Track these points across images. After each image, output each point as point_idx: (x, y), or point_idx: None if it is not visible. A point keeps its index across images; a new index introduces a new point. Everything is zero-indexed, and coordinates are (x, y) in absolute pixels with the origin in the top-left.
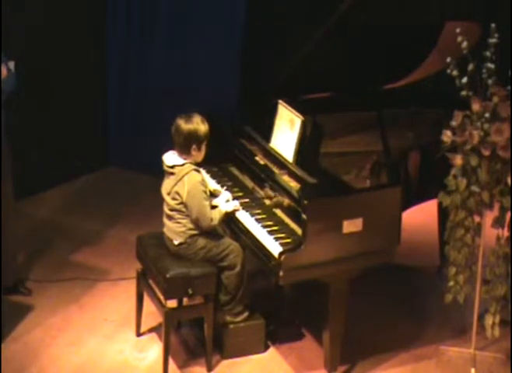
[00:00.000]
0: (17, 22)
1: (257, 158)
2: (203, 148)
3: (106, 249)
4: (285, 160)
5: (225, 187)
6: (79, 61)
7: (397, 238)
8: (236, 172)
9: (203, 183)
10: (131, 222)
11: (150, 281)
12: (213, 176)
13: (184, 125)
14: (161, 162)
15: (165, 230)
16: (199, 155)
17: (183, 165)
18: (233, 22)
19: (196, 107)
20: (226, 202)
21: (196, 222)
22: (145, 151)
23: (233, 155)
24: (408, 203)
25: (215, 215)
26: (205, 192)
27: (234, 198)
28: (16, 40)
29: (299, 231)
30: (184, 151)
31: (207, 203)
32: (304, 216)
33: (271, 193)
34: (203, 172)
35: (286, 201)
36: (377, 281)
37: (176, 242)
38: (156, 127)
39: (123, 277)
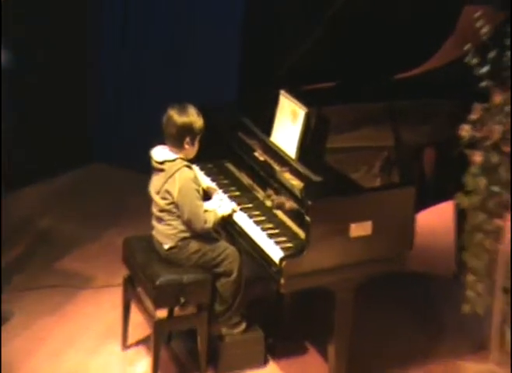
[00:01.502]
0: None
1: (256, 154)
2: (196, 142)
3: (90, 254)
4: (287, 156)
5: (221, 190)
6: (62, 55)
7: (409, 242)
8: (232, 169)
9: (196, 180)
10: (117, 224)
11: (138, 289)
12: (207, 174)
13: (177, 117)
14: (149, 157)
15: (154, 233)
16: (192, 151)
17: (174, 160)
18: (232, 7)
19: (189, 98)
20: (219, 202)
21: (188, 224)
22: (132, 145)
23: (230, 150)
24: (422, 205)
25: (210, 217)
26: (198, 191)
27: (231, 198)
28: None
29: (302, 234)
30: (176, 144)
31: (200, 202)
32: (308, 218)
33: (271, 192)
34: (196, 169)
35: (288, 202)
36: (388, 290)
37: (166, 246)
38: (144, 119)
39: (108, 284)
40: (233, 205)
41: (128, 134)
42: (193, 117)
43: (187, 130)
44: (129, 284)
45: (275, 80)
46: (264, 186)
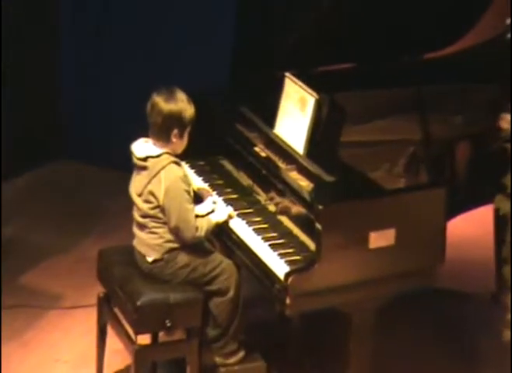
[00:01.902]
0: None
1: (257, 149)
2: (186, 135)
3: (59, 268)
4: (294, 151)
5: (215, 192)
6: (32, 46)
7: (440, 255)
8: (229, 167)
9: (185, 179)
10: (91, 232)
11: (115, 310)
12: (199, 173)
13: (163, 104)
14: (130, 153)
15: (135, 243)
16: (180, 144)
17: (159, 156)
18: None
19: (176, 82)
20: (213, 206)
21: (176, 232)
22: (109, 139)
23: (226, 144)
24: (454, 210)
25: (202, 224)
26: (188, 192)
27: (227, 202)
28: None
29: (311, 245)
30: (162, 136)
31: (191, 206)
32: (318, 226)
33: (275, 195)
34: (185, 167)
35: (295, 206)
36: (415, 311)
37: (150, 259)
38: (124, 109)
39: (80, 304)
40: (230, 210)
41: (104, 126)
42: (182, 104)
43: (175, 120)
44: (105, 304)
45: (277, 60)
46: (266, 188)
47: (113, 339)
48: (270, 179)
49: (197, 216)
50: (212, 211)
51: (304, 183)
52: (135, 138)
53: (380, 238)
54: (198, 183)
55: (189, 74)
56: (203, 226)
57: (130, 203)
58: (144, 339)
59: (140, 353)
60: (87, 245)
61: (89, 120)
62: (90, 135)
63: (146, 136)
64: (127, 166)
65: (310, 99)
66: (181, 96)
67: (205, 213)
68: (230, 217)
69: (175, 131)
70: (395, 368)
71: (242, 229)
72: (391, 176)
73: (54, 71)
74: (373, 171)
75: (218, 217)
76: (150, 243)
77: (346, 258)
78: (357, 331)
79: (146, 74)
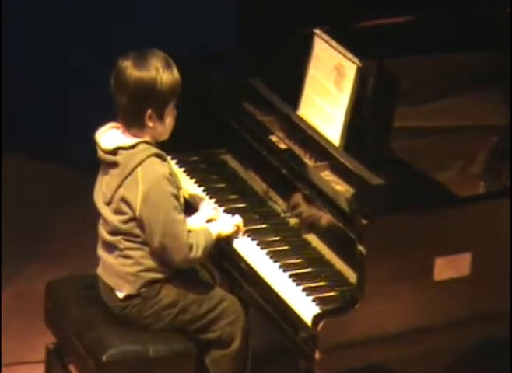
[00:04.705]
0: None
1: (273, 139)
2: (168, 114)
3: None
4: (328, 142)
5: (213, 200)
6: None
7: None
8: (234, 164)
9: (172, 179)
10: (38, 256)
11: (71, 367)
12: (191, 173)
13: (132, 70)
14: (94, 144)
15: (101, 271)
16: (161, 128)
17: (133, 146)
18: None
19: (160, 43)
20: (211, 212)
21: (161, 255)
22: (63, 126)
23: (229, 132)
24: None
25: (198, 240)
26: (176, 196)
27: (231, 214)
28: None
29: (351, 276)
30: (133, 119)
31: (180, 216)
32: (361, 248)
33: (298, 203)
34: (172, 163)
35: (326, 219)
36: (496, 369)
37: (121, 295)
38: (80, 87)
39: (22, 359)
40: (237, 220)
41: (55, 111)
42: (156, 72)
43: (147, 94)
44: (55, 359)
45: (301, 12)
46: (286, 194)
47: None
48: (292, 181)
49: (190, 231)
50: (211, 221)
51: (341, 187)
52: (99, 124)
53: (450, 266)
54: (189, 187)
55: (179, 31)
56: (199, 243)
57: (94, 215)
58: None
59: None
60: (31, 275)
61: (33, 104)
62: (36, 122)
63: (116, 120)
64: (89, 163)
65: (349, 66)
66: (156, 61)
67: (201, 226)
68: (237, 230)
69: (149, 111)
70: None
71: (252, 253)
72: (465, 178)
73: None
74: (439, 170)
75: (220, 228)
76: (122, 272)
77: (401, 295)
78: None
79: (116, 32)
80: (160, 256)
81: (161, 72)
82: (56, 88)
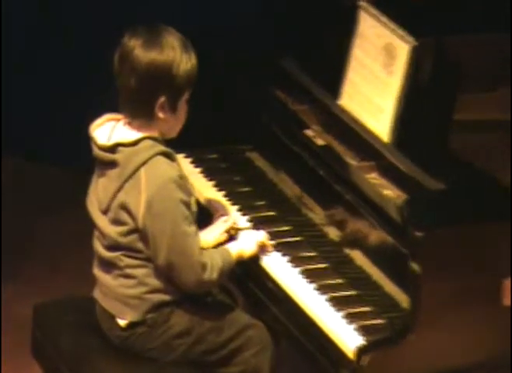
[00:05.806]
0: None
1: (309, 133)
2: (182, 106)
3: None
4: (375, 138)
5: (235, 207)
6: None
7: None
8: (261, 163)
9: (182, 183)
10: (21, 272)
11: None
12: (210, 173)
13: (141, 52)
14: (88, 140)
15: (98, 294)
16: (173, 122)
17: (136, 143)
18: None
19: (167, 18)
20: (229, 226)
21: (169, 274)
22: (55, 126)
23: (255, 124)
24: None
25: (214, 259)
26: (188, 204)
27: (257, 224)
28: None
29: (403, 300)
30: (141, 109)
31: (192, 229)
32: (415, 266)
33: (339, 211)
34: (184, 162)
35: (374, 231)
36: None
37: (123, 322)
38: (77, 82)
39: None
40: (262, 236)
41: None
42: (173, 53)
43: (160, 79)
44: None
45: None
46: (324, 200)
47: None
48: (331, 184)
49: (203, 247)
50: (231, 238)
51: (391, 193)
52: (94, 117)
53: None
54: (207, 191)
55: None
56: (215, 263)
57: (88, 225)
58: None
59: None
60: (13, 296)
61: (28, 104)
62: (33, 122)
63: (115, 111)
64: (82, 163)
65: (401, 46)
66: (172, 40)
67: (217, 241)
68: (262, 248)
69: (162, 99)
70: None
71: (283, 271)
72: None
73: None
74: (509, 172)
75: (241, 247)
76: (123, 295)
77: (462, 322)
78: None
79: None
80: (168, 275)
81: (179, 55)
82: (56, 89)
